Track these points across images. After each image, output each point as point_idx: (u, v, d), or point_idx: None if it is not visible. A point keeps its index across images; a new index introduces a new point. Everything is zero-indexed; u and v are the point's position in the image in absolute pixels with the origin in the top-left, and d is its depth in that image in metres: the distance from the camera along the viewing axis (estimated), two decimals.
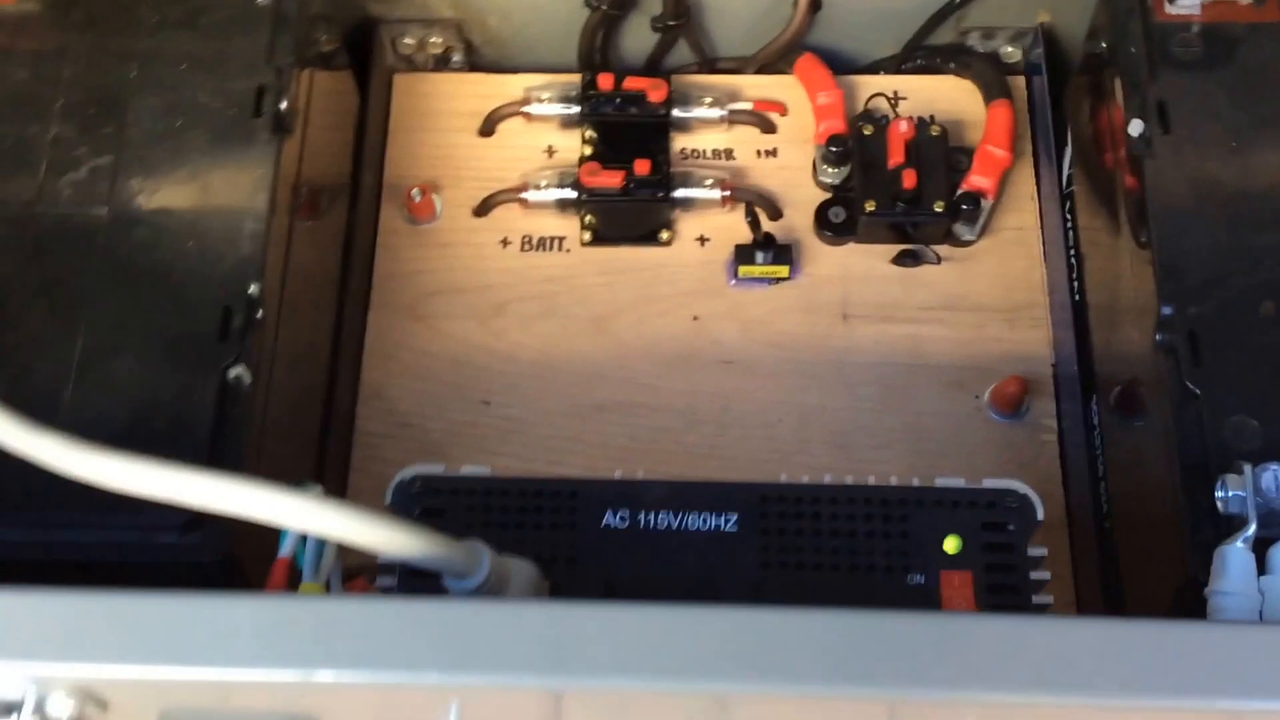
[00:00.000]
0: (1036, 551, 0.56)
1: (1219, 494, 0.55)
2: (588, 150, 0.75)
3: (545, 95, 0.76)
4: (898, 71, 0.79)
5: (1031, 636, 0.44)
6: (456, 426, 0.71)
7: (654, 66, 0.80)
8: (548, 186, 0.74)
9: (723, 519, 0.55)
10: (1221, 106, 0.65)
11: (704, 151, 0.77)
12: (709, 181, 0.74)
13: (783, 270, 0.73)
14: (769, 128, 0.77)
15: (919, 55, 0.79)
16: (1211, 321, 0.59)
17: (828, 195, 0.75)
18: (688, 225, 0.75)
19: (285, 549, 0.51)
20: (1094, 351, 0.70)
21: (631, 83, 0.76)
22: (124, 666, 0.43)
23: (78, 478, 0.42)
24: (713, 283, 0.74)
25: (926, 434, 0.70)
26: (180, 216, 0.61)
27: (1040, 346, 0.72)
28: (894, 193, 0.72)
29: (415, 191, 0.74)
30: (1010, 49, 0.79)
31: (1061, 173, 0.76)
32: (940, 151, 0.73)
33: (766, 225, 0.74)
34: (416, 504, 0.56)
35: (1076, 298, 0.73)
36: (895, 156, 0.73)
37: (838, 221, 0.74)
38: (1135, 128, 0.64)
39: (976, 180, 0.73)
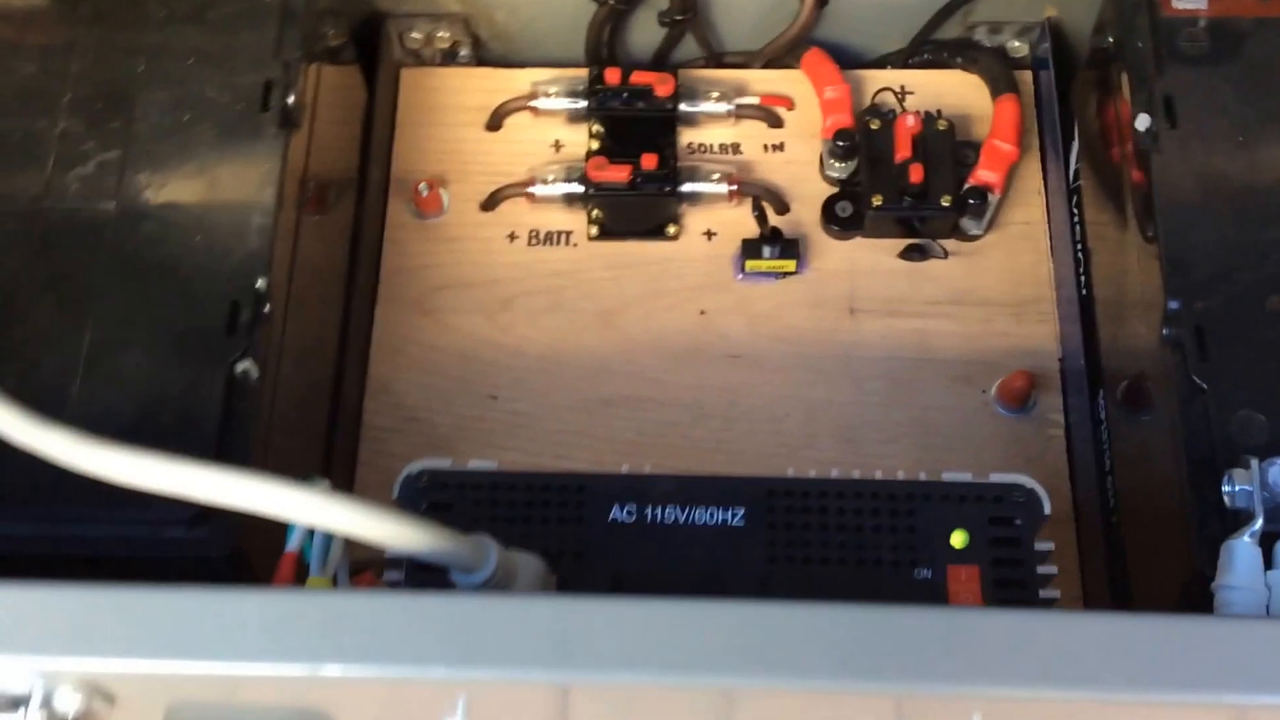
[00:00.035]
0: (1043, 546, 0.56)
1: (1226, 488, 0.55)
2: (595, 145, 0.75)
3: (552, 90, 0.76)
4: (904, 66, 0.79)
5: (1039, 631, 0.44)
6: (463, 421, 0.71)
7: (661, 61, 0.80)
8: (555, 181, 0.74)
9: (730, 513, 0.55)
10: (1228, 101, 0.65)
11: (711, 146, 0.76)
12: (716, 176, 0.74)
13: (790, 265, 0.72)
14: (776, 122, 0.77)
15: (926, 50, 0.78)
16: (1218, 316, 0.59)
17: (834, 190, 0.75)
18: (694, 220, 0.75)
19: (293, 543, 0.51)
20: (1101, 346, 0.70)
21: (638, 77, 0.75)
22: (132, 661, 0.43)
23: (87, 472, 0.43)
24: (719, 277, 0.74)
25: (933, 428, 0.70)
26: (188, 211, 0.61)
27: (1047, 341, 0.72)
28: (901, 187, 0.72)
29: (422, 186, 0.74)
30: (1017, 44, 0.79)
31: (1068, 167, 0.76)
32: (947, 146, 0.73)
33: (773, 220, 0.74)
34: (424, 498, 0.56)
35: (1083, 292, 0.73)
36: (902, 151, 0.72)
37: (844, 216, 0.74)
38: (1142, 122, 0.64)
39: (983, 175, 0.73)
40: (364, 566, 0.57)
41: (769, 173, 0.76)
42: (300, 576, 0.52)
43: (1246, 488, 0.54)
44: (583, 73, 0.77)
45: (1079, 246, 0.74)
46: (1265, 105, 0.64)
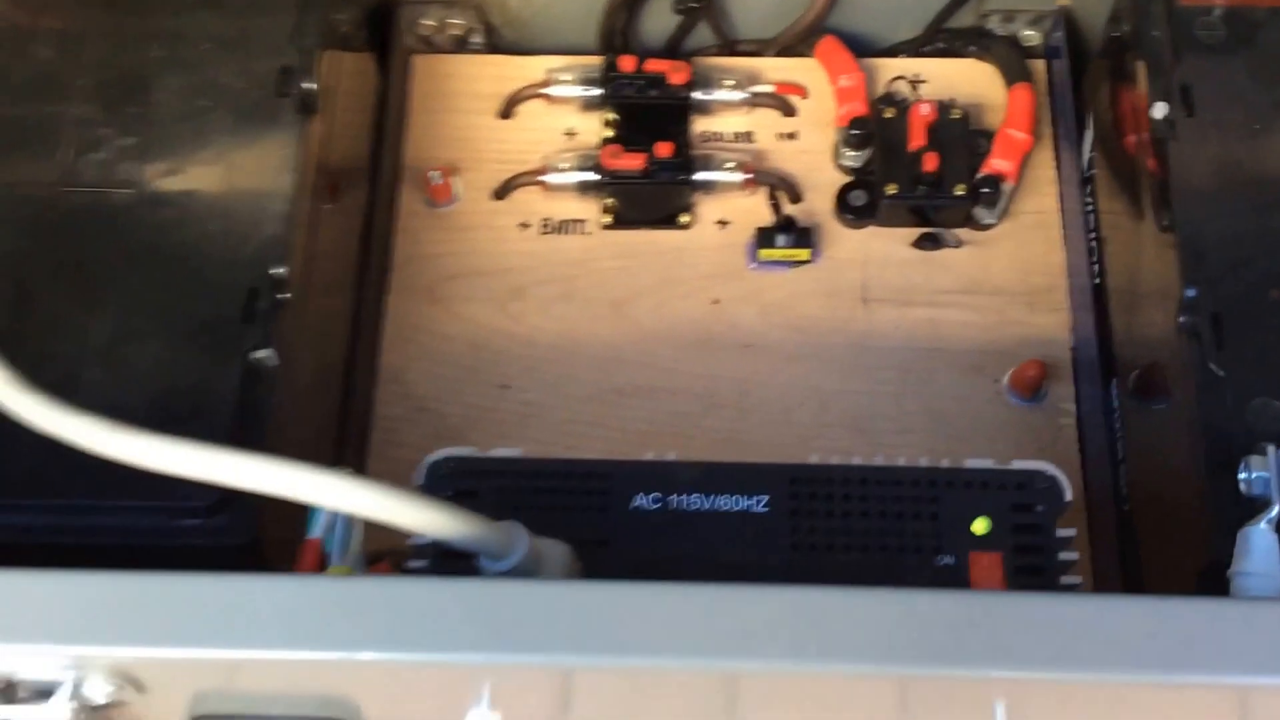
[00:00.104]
0: (1065, 532, 0.56)
1: (1242, 476, 0.55)
2: (609, 133, 0.75)
3: (566, 77, 0.76)
4: (918, 55, 0.79)
5: (1063, 614, 0.45)
6: (475, 411, 0.70)
7: (674, 49, 0.80)
8: (568, 169, 0.74)
9: (753, 500, 0.55)
10: (1244, 90, 0.65)
11: (724, 134, 0.76)
12: (730, 164, 0.74)
13: (804, 253, 0.72)
14: (789, 111, 0.77)
15: (939, 38, 0.79)
16: (1235, 304, 0.59)
17: (848, 178, 0.75)
18: (708, 208, 0.75)
19: (318, 530, 0.51)
20: (1114, 335, 0.70)
21: (653, 65, 0.75)
22: (163, 648, 0.43)
23: (121, 459, 0.42)
24: (732, 266, 0.74)
25: (946, 418, 0.70)
26: (205, 198, 0.61)
27: (1060, 330, 0.72)
28: (915, 176, 0.72)
29: (435, 174, 0.74)
30: (1030, 32, 0.79)
31: (1082, 156, 0.76)
32: (961, 135, 0.73)
33: (787, 208, 0.74)
34: (449, 485, 0.56)
35: (1096, 281, 0.73)
36: (916, 140, 0.72)
37: (858, 205, 0.73)
38: (1159, 110, 0.64)
39: (997, 163, 0.73)
40: (378, 557, 0.57)
41: (782, 161, 0.76)
42: (320, 565, 0.52)
43: (1263, 474, 0.54)
44: (596, 60, 0.77)
45: (1092, 235, 0.74)
46: None
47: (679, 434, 0.69)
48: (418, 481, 0.58)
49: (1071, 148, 0.76)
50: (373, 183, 0.74)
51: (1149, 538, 0.64)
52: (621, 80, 0.75)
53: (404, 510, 0.43)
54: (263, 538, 0.55)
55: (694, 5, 0.77)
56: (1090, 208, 0.75)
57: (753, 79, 0.77)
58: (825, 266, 0.73)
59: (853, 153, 0.74)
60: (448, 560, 0.53)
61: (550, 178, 0.74)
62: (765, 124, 0.77)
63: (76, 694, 0.44)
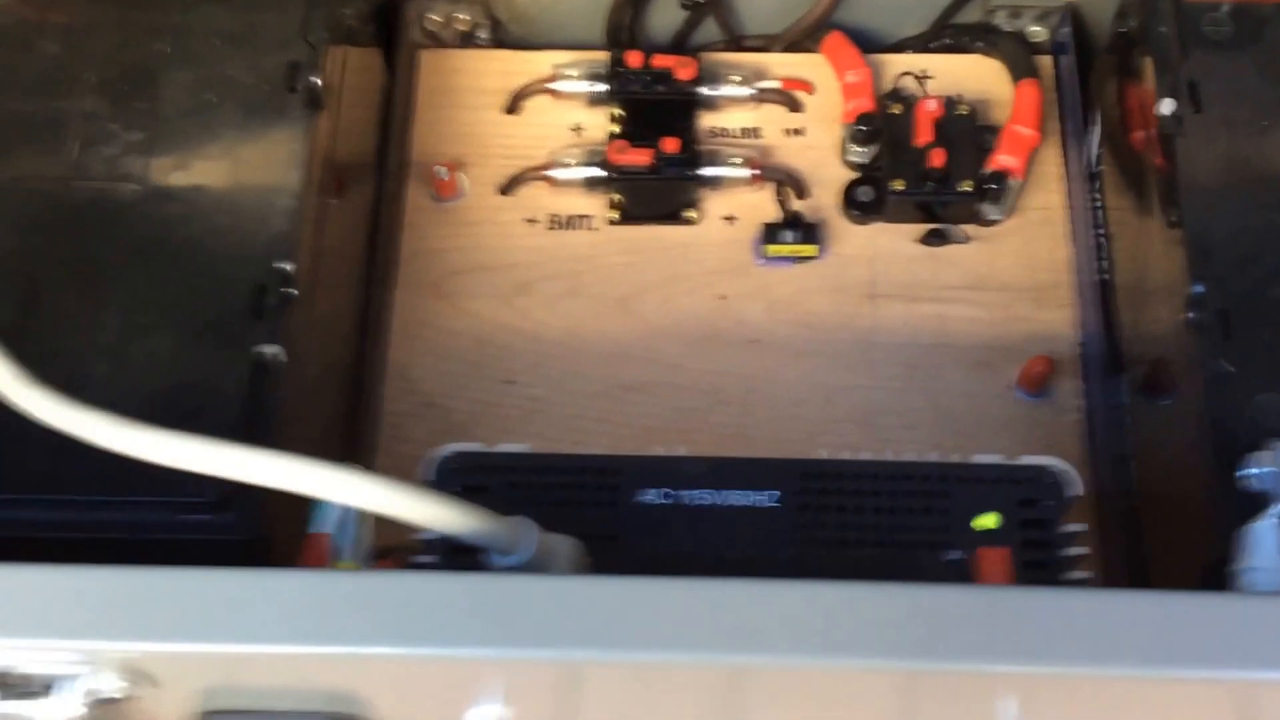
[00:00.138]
0: (1074, 528, 0.56)
1: (1248, 471, 0.55)
2: (616, 128, 0.75)
3: (572, 72, 0.76)
4: (924, 50, 0.79)
5: (1072, 609, 0.45)
6: (480, 406, 0.70)
7: (681, 44, 0.80)
8: (575, 164, 0.74)
9: (763, 495, 0.55)
10: (1252, 86, 0.65)
11: (731, 130, 0.76)
12: (737, 160, 0.74)
13: (811, 249, 0.72)
14: (796, 106, 0.77)
15: (946, 34, 0.78)
16: (1242, 300, 0.59)
17: (855, 174, 0.74)
18: (714, 204, 0.75)
19: (329, 525, 0.51)
20: (1121, 331, 0.70)
21: (660, 60, 0.75)
22: (175, 644, 0.43)
23: (136, 455, 0.42)
24: (739, 262, 0.73)
25: (952, 414, 0.70)
26: (213, 193, 0.61)
27: (1067, 326, 0.72)
28: (922, 172, 0.72)
29: (441, 169, 0.74)
30: (1037, 28, 0.78)
31: (1088, 152, 0.76)
32: (968, 131, 0.73)
33: (793, 204, 0.73)
34: (458, 480, 0.56)
35: (1104, 277, 0.73)
36: (923, 135, 0.72)
37: (865, 200, 0.73)
38: (1167, 106, 0.64)
39: (1004, 159, 0.73)
40: (383, 553, 0.57)
41: (789, 157, 0.76)
42: (325, 560, 0.52)
43: (1270, 470, 0.54)
44: (603, 55, 0.76)
45: (1099, 231, 0.74)
46: None
47: (685, 429, 0.69)
48: (426, 477, 0.58)
49: (1078, 144, 0.76)
50: (379, 178, 0.74)
51: (1155, 533, 0.64)
52: (628, 76, 0.75)
53: (415, 505, 0.43)
54: (269, 534, 0.55)
55: (701, 1, 0.77)
56: (1097, 204, 0.75)
57: (759, 75, 0.77)
58: (832, 263, 0.73)
59: (859, 148, 0.74)
60: (455, 556, 0.53)
61: (557, 173, 0.74)
62: (772, 120, 0.77)
63: (89, 689, 0.44)
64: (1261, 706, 0.46)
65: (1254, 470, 0.54)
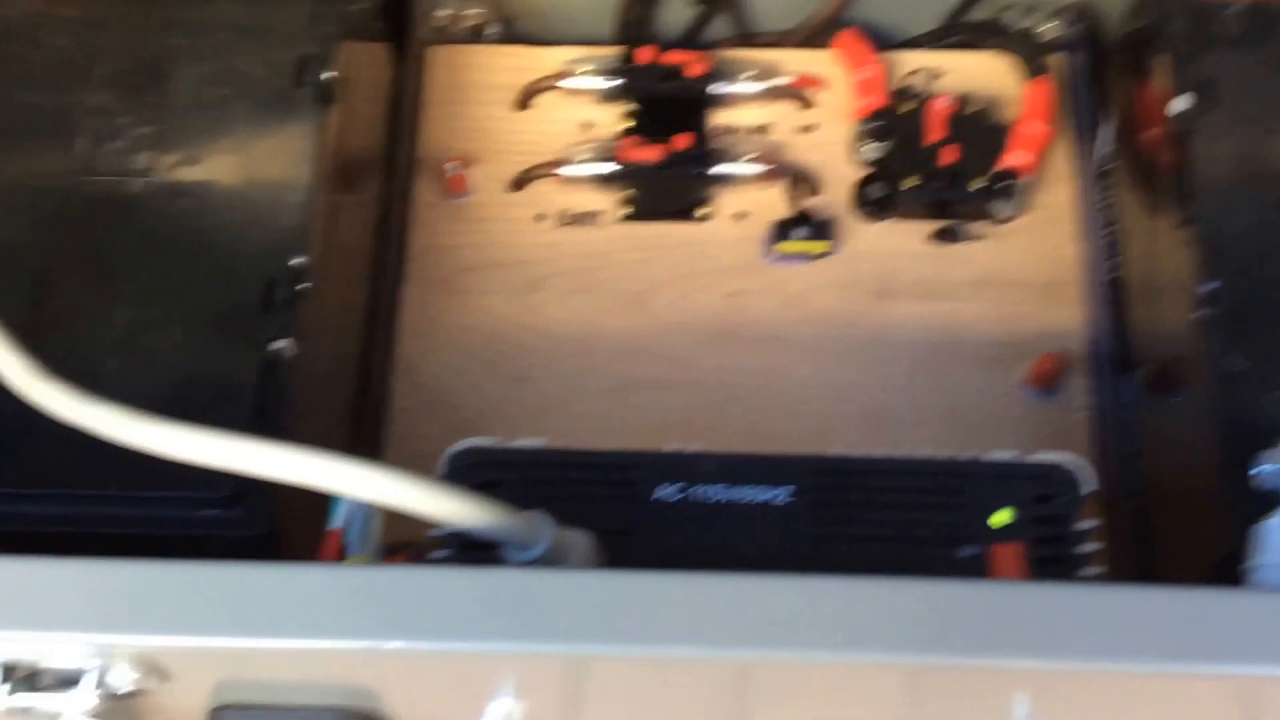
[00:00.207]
0: (1087, 524, 0.56)
1: (1259, 469, 0.55)
2: (627, 124, 0.75)
3: (583, 68, 0.76)
4: (936, 47, 0.78)
5: (1084, 604, 0.45)
6: (491, 403, 0.70)
7: (692, 40, 0.80)
8: (586, 161, 0.74)
9: (777, 491, 0.55)
10: (1265, 84, 0.65)
11: (743, 126, 0.76)
12: (748, 156, 0.74)
13: (822, 246, 0.72)
14: (808, 103, 0.77)
15: (958, 31, 0.78)
16: (1254, 297, 0.59)
17: (866, 171, 0.74)
18: (726, 201, 0.74)
19: (340, 520, 0.51)
20: (1131, 328, 0.70)
21: (671, 56, 0.75)
22: (187, 637, 0.43)
23: (148, 450, 0.42)
24: (750, 259, 0.73)
25: (962, 411, 0.70)
26: (223, 187, 0.61)
27: (1077, 324, 0.72)
28: (933, 169, 0.72)
29: (451, 165, 0.73)
30: (1049, 25, 0.78)
31: (1099, 150, 0.76)
32: (979, 128, 0.73)
33: (805, 201, 0.73)
34: (472, 476, 0.56)
35: (1114, 274, 0.73)
36: (934, 133, 0.72)
37: (876, 198, 0.73)
38: (1180, 104, 0.64)
39: (1015, 157, 0.72)
40: (394, 549, 0.57)
41: (800, 154, 0.75)
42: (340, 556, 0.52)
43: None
44: (614, 51, 0.76)
45: (1110, 229, 0.74)
46: None
47: (696, 426, 0.69)
48: (440, 472, 0.58)
49: (1090, 141, 0.76)
50: (389, 174, 0.74)
51: (1165, 531, 0.64)
52: (639, 72, 0.75)
53: (430, 499, 0.43)
54: (279, 529, 0.55)
55: None
56: (1108, 201, 0.75)
57: (771, 71, 0.76)
58: (843, 259, 0.73)
59: (871, 146, 0.74)
60: (471, 551, 0.53)
61: (567, 169, 0.74)
62: (784, 116, 0.76)
63: (101, 682, 0.44)
64: (1273, 702, 0.46)
65: (1266, 468, 0.54)
